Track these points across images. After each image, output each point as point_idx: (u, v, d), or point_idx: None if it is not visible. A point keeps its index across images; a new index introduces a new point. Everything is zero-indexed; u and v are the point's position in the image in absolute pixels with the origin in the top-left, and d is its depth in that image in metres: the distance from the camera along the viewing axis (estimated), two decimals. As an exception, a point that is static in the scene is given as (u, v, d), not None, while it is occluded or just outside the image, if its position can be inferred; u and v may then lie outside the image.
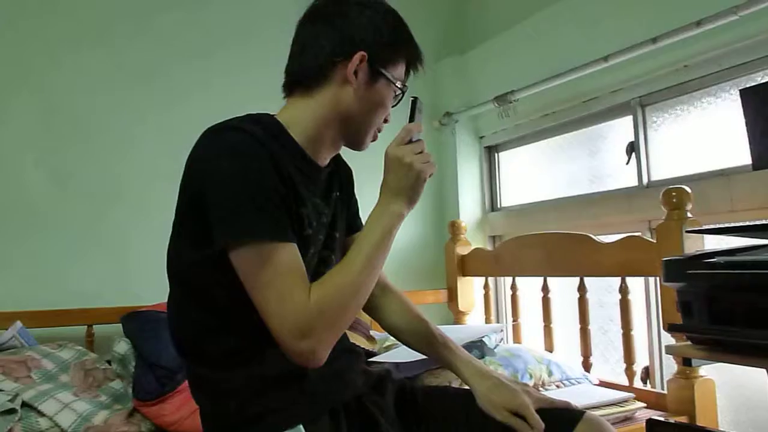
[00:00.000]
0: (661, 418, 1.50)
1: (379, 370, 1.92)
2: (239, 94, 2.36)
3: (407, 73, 1.21)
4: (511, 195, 2.82)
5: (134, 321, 1.97)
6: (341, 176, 1.30)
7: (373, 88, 1.14)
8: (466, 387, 1.25)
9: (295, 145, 1.13)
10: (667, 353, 1.43)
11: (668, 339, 1.78)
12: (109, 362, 1.96)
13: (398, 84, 1.16)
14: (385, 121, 1.21)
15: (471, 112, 2.76)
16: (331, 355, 1.06)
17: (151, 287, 1.97)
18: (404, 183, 1.08)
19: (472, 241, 2.77)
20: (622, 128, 2.23)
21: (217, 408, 1.13)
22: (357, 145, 1.21)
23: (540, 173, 2.65)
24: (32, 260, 2.21)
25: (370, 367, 1.97)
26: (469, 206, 2.84)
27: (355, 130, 1.18)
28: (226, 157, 1.03)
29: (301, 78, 1.16)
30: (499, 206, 2.86)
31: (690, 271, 1.29)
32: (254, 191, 1.01)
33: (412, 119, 1.12)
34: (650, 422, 1.45)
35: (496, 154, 2.87)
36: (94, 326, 2.18)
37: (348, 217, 1.31)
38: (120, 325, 2.02)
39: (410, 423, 1.23)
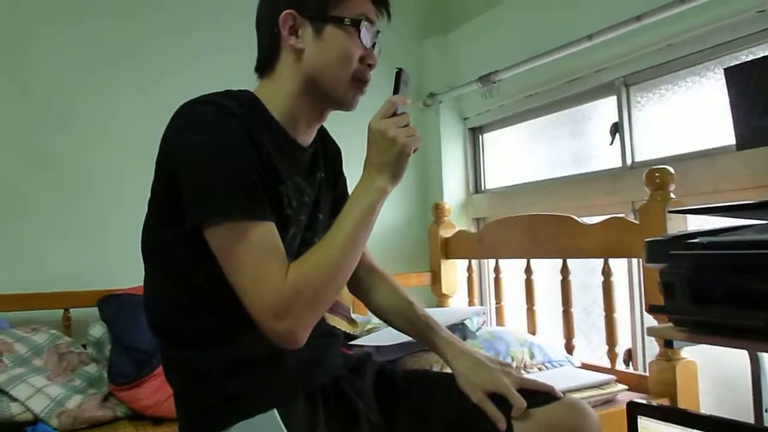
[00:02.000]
0: (643, 401, 1.48)
1: (359, 353, 1.91)
2: (218, 73, 2.30)
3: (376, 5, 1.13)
4: (495, 177, 2.79)
5: (111, 304, 1.93)
6: (327, 155, 1.26)
7: (324, 39, 1.08)
8: (448, 370, 1.23)
9: (274, 122, 1.10)
10: (648, 335, 1.42)
11: (651, 321, 1.77)
12: (84, 346, 1.92)
13: (347, 21, 1.07)
14: (370, 66, 1.12)
15: (455, 93, 2.72)
16: (308, 338, 1.04)
17: (128, 270, 1.91)
18: (387, 158, 1.03)
19: (457, 223, 2.74)
20: (606, 108, 2.20)
21: (189, 389, 1.11)
22: (341, 103, 1.13)
23: (524, 154, 2.63)
24: (8, 244, 2.16)
25: (351, 351, 1.96)
26: (453, 188, 2.81)
27: (329, 90, 1.11)
28: (201, 133, 1.00)
29: (260, 62, 1.14)
30: (483, 188, 2.83)
31: (672, 252, 1.28)
32: (229, 168, 0.98)
33: (396, 91, 1.07)
34: (631, 405, 1.43)
35: (480, 136, 2.84)
36: (71, 310, 2.14)
37: (335, 197, 1.27)
38: (97, 308, 1.98)
39: (389, 406, 1.21)
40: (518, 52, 2.33)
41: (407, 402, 1.21)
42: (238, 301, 0.99)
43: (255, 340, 1.01)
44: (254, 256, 0.98)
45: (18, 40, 2.23)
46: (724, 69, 1.72)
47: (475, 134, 2.85)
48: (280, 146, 1.09)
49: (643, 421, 1.41)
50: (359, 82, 1.11)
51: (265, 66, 1.13)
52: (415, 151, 1.06)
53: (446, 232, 2.67)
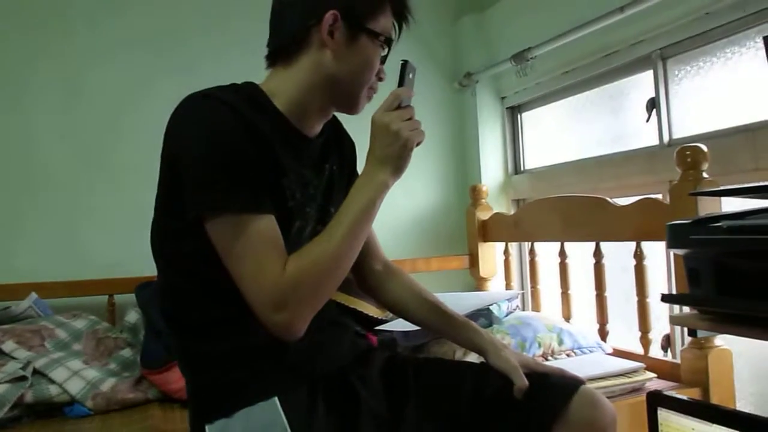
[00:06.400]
0: (666, 392, 1.42)
1: (384, 338, 1.91)
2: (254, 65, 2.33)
3: (399, 25, 1.16)
4: (535, 157, 2.71)
5: (145, 290, 2.00)
6: (342, 150, 1.27)
7: (356, 47, 1.10)
8: (468, 358, 1.23)
9: (278, 114, 1.11)
10: (671, 323, 1.35)
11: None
12: (122, 331, 2.00)
13: (381, 38, 1.11)
14: (380, 79, 1.16)
15: (491, 72, 2.65)
16: (313, 327, 1.05)
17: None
18: (390, 151, 1.04)
19: (496, 205, 2.69)
20: (644, 83, 2.09)
21: (196, 379, 1.14)
22: (349, 108, 1.16)
23: (565, 133, 2.54)
24: (56, 234, 2.24)
25: (379, 335, 1.96)
26: (491, 169, 2.74)
27: (344, 94, 1.14)
28: (199, 126, 1.02)
29: (279, 48, 1.13)
30: (522, 169, 2.76)
31: (693, 237, 1.21)
32: (225, 161, 1.00)
33: (401, 84, 1.07)
34: (651, 395, 1.37)
35: (519, 115, 2.76)
36: (115, 296, 2.21)
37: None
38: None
39: (397, 395, 1.21)
40: (552, 28, 2.24)
41: (416, 392, 1.21)
42: (240, 291, 1.01)
43: (258, 330, 1.02)
44: (253, 249, 0.99)
45: (60, 34, 2.29)
46: (764, 37, 1.59)
47: (513, 113, 2.77)
48: (283, 137, 1.10)
49: (663, 413, 1.36)
50: (370, 90, 1.15)
51: (283, 54, 1.13)
52: (418, 144, 1.06)
53: (483, 215, 2.62)
